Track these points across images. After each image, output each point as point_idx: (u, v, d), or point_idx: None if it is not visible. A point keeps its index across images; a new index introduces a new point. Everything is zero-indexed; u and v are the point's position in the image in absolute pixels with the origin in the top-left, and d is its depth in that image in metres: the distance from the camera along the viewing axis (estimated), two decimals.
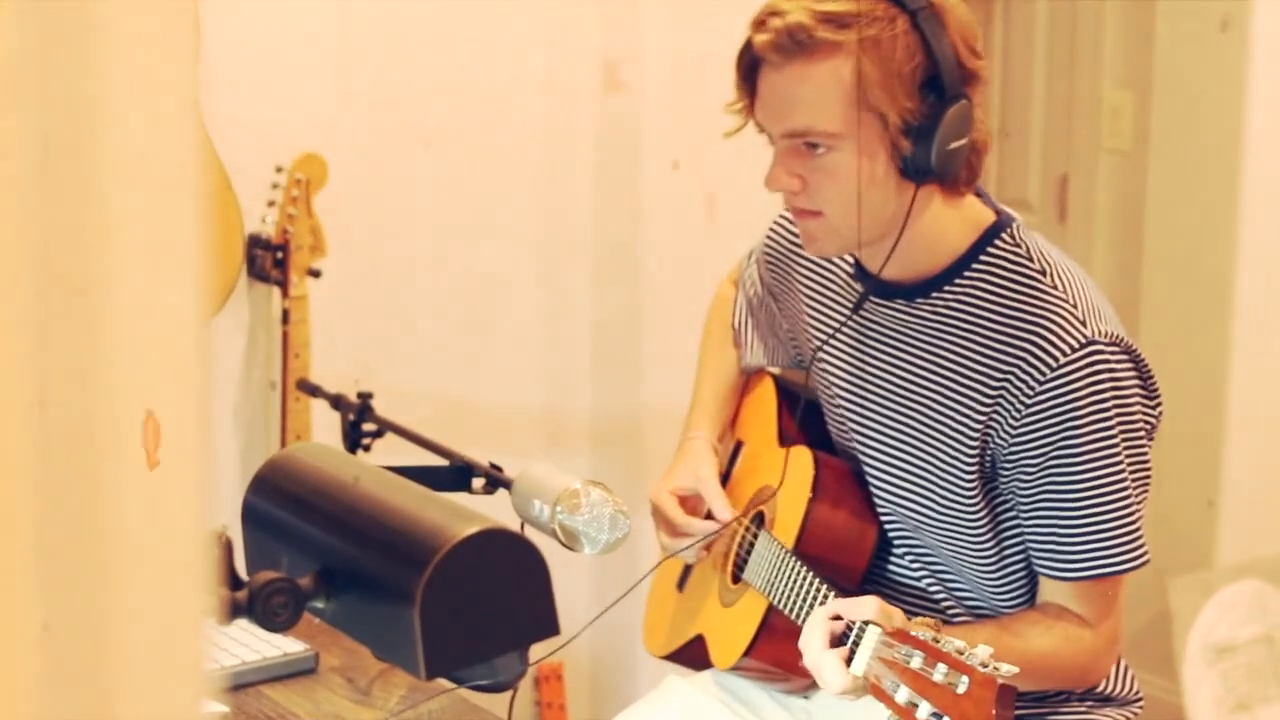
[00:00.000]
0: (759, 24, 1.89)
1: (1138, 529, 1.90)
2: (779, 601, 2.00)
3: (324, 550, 1.15)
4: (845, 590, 1.93)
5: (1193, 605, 3.64)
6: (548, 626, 1.10)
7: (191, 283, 0.81)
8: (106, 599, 0.79)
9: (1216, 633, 3.63)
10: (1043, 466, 1.88)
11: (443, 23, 3.10)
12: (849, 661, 1.72)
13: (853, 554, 2.04)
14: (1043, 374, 1.86)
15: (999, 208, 2.00)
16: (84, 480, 0.78)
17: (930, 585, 2.03)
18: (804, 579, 1.96)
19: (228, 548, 2.97)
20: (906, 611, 1.82)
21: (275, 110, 2.96)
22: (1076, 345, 1.86)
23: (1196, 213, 3.81)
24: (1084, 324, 1.87)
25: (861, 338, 2.04)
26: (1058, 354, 1.86)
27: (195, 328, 0.81)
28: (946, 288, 1.96)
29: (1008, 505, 1.94)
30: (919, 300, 1.98)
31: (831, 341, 2.08)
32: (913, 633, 1.67)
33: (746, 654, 2.06)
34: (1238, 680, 3.62)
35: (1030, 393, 1.86)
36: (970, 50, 1.89)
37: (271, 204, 2.89)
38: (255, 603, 1.12)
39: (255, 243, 2.90)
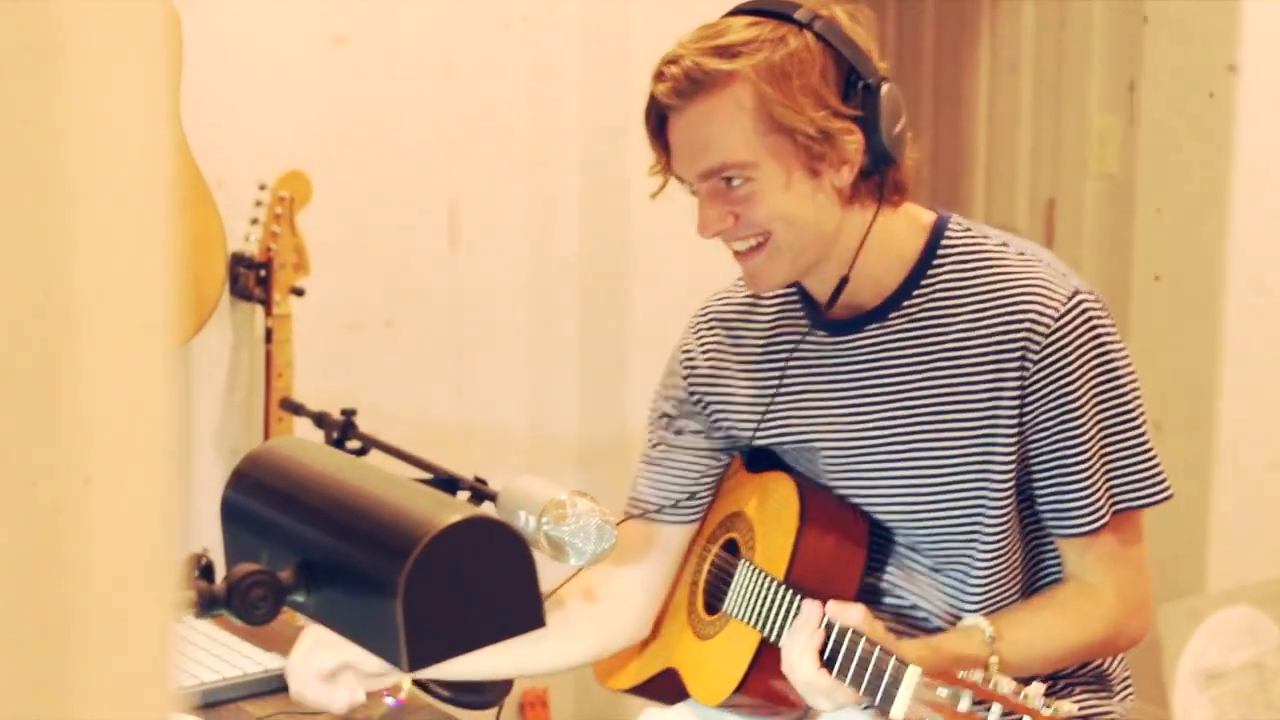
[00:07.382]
0: (657, 76, 1.88)
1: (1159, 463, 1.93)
2: (774, 635, 1.96)
3: (304, 543, 1.13)
4: None
5: (1183, 631, 3.62)
6: (533, 618, 1.07)
7: (160, 287, 0.79)
8: (67, 615, 0.77)
9: (1207, 659, 3.61)
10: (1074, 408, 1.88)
11: (428, 42, 3.08)
12: (882, 701, 1.73)
13: (843, 581, 2.00)
14: (1047, 326, 1.86)
15: (932, 208, 2.01)
16: (43, 496, 0.75)
17: (913, 599, 2.00)
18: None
19: (208, 569, 2.94)
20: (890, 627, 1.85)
21: (259, 128, 2.94)
22: (1067, 295, 1.87)
23: (1184, 237, 3.80)
24: (1065, 276, 1.90)
25: (843, 379, 2.00)
26: (1056, 303, 1.87)
27: (162, 338, 0.79)
28: (915, 293, 1.94)
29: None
30: (892, 316, 1.95)
31: (802, 391, 2.03)
32: (960, 674, 1.65)
33: (739, 690, 2.01)
34: (1227, 706, 3.60)
35: (1037, 348, 1.86)
36: (872, 57, 1.90)
37: (255, 222, 2.87)
38: (234, 595, 1.09)
39: (238, 261, 2.88)
